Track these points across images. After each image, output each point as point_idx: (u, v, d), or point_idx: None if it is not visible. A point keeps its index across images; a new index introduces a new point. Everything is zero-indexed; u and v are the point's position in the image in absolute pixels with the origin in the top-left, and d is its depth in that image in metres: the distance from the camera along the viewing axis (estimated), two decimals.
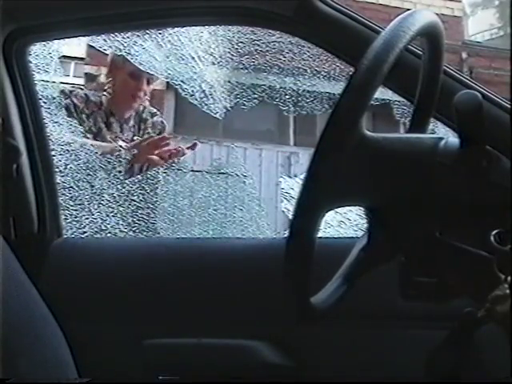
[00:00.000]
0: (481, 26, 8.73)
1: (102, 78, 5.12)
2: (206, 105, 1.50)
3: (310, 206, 0.62)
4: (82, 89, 2.28)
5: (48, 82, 1.42)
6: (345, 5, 1.05)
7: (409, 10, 0.70)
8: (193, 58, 1.42)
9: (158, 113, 2.29)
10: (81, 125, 1.89)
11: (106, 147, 1.94)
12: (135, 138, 2.11)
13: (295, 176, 4.92)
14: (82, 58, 6.50)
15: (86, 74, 5.31)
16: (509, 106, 0.95)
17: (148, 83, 2.14)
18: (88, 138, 1.92)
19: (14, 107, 1.26)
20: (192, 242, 1.40)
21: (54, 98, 1.45)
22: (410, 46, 0.84)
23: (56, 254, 1.28)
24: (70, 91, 2.12)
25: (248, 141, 4.95)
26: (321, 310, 0.68)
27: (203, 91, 1.49)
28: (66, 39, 1.32)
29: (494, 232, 0.63)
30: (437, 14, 0.72)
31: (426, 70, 0.76)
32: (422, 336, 0.95)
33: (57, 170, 1.37)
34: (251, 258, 1.19)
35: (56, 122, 1.43)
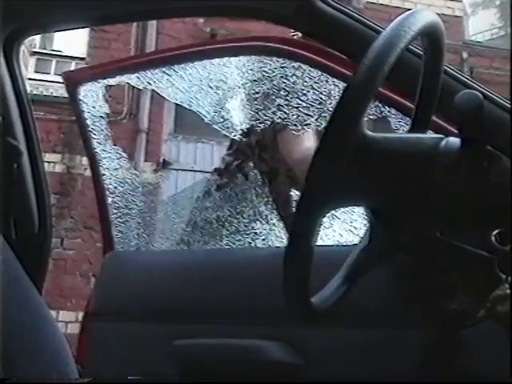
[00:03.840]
0: (481, 25, 8.72)
1: None
2: (225, 128, 1.64)
3: (312, 206, 0.62)
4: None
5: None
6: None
7: (409, 9, 0.70)
8: (210, 87, 1.57)
9: None
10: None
11: None
12: None
13: None
14: (82, 58, 6.50)
15: None
16: (509, 106, 0.95)
17: None
18: None
19: (14, 107, 1.26)
20: (219, 253, 1.56)
21: (102, 130, 1.63)
22: (410, 46, 0.84)
23: (108, 264, 1.47)
24: None
25: None
26: (321, 310, 0.68)
27: (222, 116, 1.62)
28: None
29: (494, 232, 0.63)
30: (437, 13, 0.72)
31: (426, 69, 0.76)
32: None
33: (108, 192, 1.58)
34: (267, 266, 1.21)
35: (105, 150, 1.62)
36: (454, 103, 0.63)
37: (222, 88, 1.58)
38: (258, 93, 1.51)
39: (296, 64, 1.38)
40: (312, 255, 0.63)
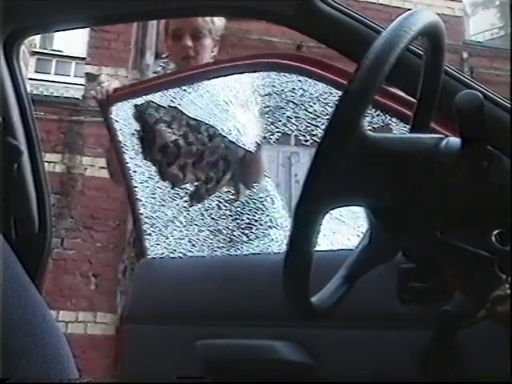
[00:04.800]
0: (482, 25, 8.72)
1: (103, 78, 5.15)
2: (241, 141, 1.77)
3: (312, 206, 0.62)
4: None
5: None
6: (346, 5, 1.05)
7: (410, 9, 0.70)
8: (226, 102, 1.69)
9: None
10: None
11: None
12: None
13: (295, 175, 4.93)
14: (82, 58, 6.51)
15: (86, 73, 5.31)
16: (509, 106, 0.95)
17: (194, 37, 1.94)
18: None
19: (14, 107, 1.26)
20: (238, 259, 1.65)
21: (134, 147, 1.78)
22: (411, 46, 0.84)
23: (141, 271, 1.59)
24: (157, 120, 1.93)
25: None
26: (322, 310, 0.68)
27: (238, 130, 1.75)
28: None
29: (494, 232, 0.63)
30: (438, 13, 0.72)
31: (427, 69, 0.76)
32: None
33: (140, 202, 1.72)
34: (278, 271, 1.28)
35: (136, 164, 1.76)
36: (454, 103, 0.63)
37: (235, 103, 1.68)
38: (268, 106, 1.58)
39: (302, 78, 1.44)
40: (312, 254, 0.63)
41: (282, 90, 1.51)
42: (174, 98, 1.68)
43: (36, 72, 9.21)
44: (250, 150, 1.80)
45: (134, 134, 1.79)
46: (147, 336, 1.45)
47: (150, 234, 1.67)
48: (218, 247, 1.68)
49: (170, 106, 1.78)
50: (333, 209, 0.68)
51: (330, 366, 1.19)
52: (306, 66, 1.38)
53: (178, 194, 1.78)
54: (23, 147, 1.26)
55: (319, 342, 1.21)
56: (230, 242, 1.69)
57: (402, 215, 0.68)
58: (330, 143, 0.61)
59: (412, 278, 0.70)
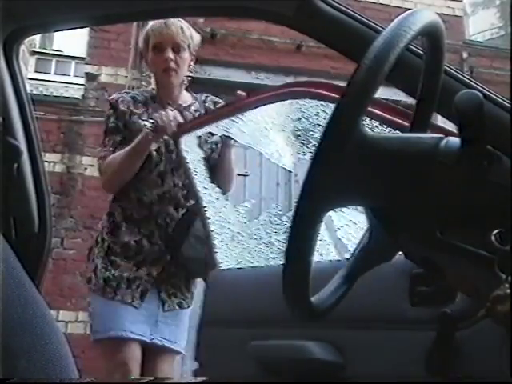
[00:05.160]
0: (482, 25, 8.72)
1: (103, 78, 5.15)
2: (281, 162, 1.96)
3: (312, 206, 0.62)
4: (127, 92, 2.25)
5: None
6: (346, 4, 1.05)
7: (409, 9, 0.70)
8: (266, 129, 1.88)
9: (221, 101, 2.24)
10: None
11: (137, 139, 2.00)
12: None
13: (295, 175, 4.93)
14: (82, 58, 6.50)
15: (86, 73, 5.30)
16: (509, 106, 0.95)
17: (174, 51, 2.07)
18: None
19: (14, 107, 1.26)
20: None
21: (202, 172, 2.06)
22: (410, 46, 0.84)
23: (213, 280, 1.75)
24: (117, 99, 2.10)
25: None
26: (321, 310, 0.68)
27: (278, 152, 1.94)
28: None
29: (494, 232, 0.63)
30: (437, 13, 0.72)
31: (426, 69, 0.76)
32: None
33: (209, 220, 1.94)
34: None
35: (204, 187, 2.01)
36: (454, 103, 0.63)
37: (274, 129, 1.89)
38: (300, 130, 1.76)
39: (324, 103, 1.60)
40: (313, 254, 0.63)
41: (309, 115, 1.68)
42: (227, 128, 1.94)
43: (36, 72, 9.21)
44: (289, 169, 2.02)
45: (200, 160, 2.06)
46: (221, 338, 1.62)
47: (219, 249, 1.87)
48: (271, 258, 1.86)
49: (224, 136, 2.03)
50: (333, 209, 0.68)
51: (357, 365, 1.25)
52: (327, 92, 1.49)
53: (238, 211, 2.01)
54: (23, 147, 1.26)
55: (350, 342, 1.28)
56: (280, 253, 1.85)
57: (401, 215, 0.68)
58: (329, 143, 0.61)
59: (420, 282, 0.70)
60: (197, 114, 2.15)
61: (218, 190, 2.04)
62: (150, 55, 2.11)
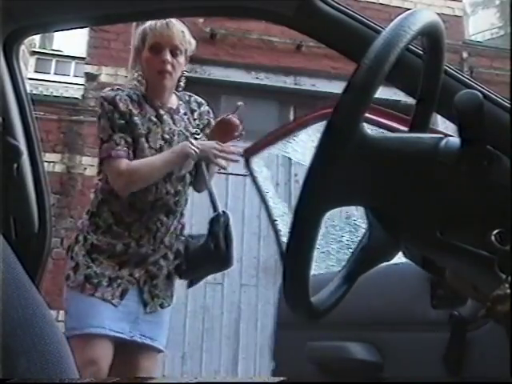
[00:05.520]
0: (481, 25, 8.73)
1: (103, 78, 5.15)
2: None
3: (312, 207, 0.62)
4: (122, 90, 2.13)
5: None
6: (346, 4, 1.05)
7: (409, 9, 0.70)
8: (313, 147, 2.08)
9: (204, 101, 2.20)
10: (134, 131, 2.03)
11: (174, 152, 2.00)
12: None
13: (295, 175, 4.93)
14: (82, 58, 6.50)
15: (86, 73, 5.30)
16: (509, 106, 0.95)
17: (172, 53, 2.02)
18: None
19: (14, 107, 1.26)
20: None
21: (271, 188, 2.42)
22: (410, 46, 0.84)
23: None
24: (113, 97, 2.03)
25: (249, 140, 4.94)
26: (322, 310, 0.68)
27: None
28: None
29: (494, 232, 0.63)
30: (437, 13, 0.72)
31: (426, 69, 0.76)
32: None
33: (280, 232, 2.18)
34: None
35: (274, 203, 2.27)
36: (453, 103, 0.63)
37: None
38: None
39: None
40: (313, 254, 0.63)
41: None
42: (283, 148, 2.18)
43: (36, 72, 9.21)
44: None
45: (267, 178, 2.30)
46: (294, 339, 1.75)
47: None
48: (331, 265, 1.97)
49: (283, 156, 2.30)
50: (333, 209, 0.68)
51: (395, 365, 1.33)
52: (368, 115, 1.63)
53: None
54: (23, 147, 1.26)
55: (389, 343, 1.36)
56: (336, 261, 1.99)
57: (402, 215, 0.68)
58: (329, 143, 0.61)
59: (438, 286, 0.71)
60: (185, 118, 2.12)
61: (285, 204, 2.30)
62: (146, 54, 2.06)
